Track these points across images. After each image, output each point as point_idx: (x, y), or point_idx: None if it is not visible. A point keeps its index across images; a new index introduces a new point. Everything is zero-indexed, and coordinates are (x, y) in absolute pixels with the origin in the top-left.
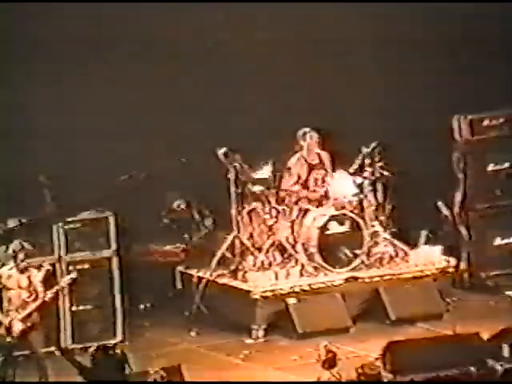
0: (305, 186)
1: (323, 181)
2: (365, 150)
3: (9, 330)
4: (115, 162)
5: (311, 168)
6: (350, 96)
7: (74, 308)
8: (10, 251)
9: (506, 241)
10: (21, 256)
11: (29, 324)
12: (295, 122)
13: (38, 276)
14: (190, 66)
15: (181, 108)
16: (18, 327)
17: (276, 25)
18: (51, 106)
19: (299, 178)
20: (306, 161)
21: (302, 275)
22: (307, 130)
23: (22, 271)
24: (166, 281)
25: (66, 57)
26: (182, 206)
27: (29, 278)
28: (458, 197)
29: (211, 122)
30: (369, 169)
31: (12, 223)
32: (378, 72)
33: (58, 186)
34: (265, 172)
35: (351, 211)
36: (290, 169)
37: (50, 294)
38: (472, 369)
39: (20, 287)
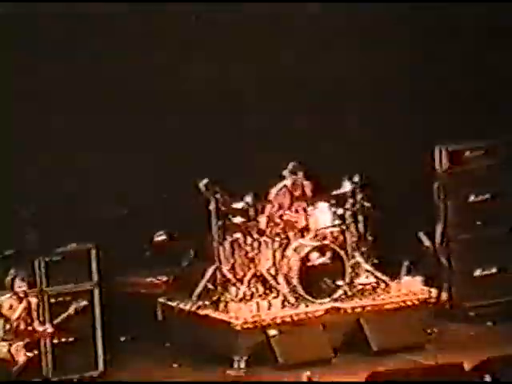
0: (286, 216)
1: (304, 211)
2: (346, 182)
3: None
4: (98, 195)
5: (293, 199)
6: (330, 128)
7: (55, 340)
8: (7, 280)
9: (486, 271)
10: (18, 284)
11: (32, 353)
12: (275, 150)
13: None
14: (172, 97)
15: (161, 139)
16: (21, 356)
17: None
18: (36, 138)
19: (280, 208)
20: (289, 191)
21: (283, 306)
22: (295, 164)
23: (20, 300)
24: (147, 312)
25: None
26: (164, 238)
27: (28, 306)
28: (439, 227)
29: (193, 153)
30: (350, 200)
31: None
32: (359, 103)
33: (40, 218)
34: (245, 203)
35: (333, 242)
36: (273, 199)
37: (59, 320)
38: None
39: (19, 316)
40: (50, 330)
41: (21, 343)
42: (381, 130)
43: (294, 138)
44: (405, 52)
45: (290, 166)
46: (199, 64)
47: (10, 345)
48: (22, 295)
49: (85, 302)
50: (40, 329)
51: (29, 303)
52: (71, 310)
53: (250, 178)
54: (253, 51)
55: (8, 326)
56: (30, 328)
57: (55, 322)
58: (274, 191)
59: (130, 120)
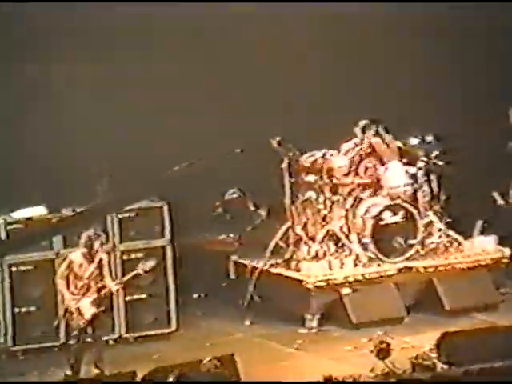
0: (357, 174)
1: (376, 170)
2: (419, 140)
3: (79, 314)
4: (170, 152)
5: (365, 157)
6: (406, 86)
7: (128, 297)
8: (83, 239)
9: None
10: (96, 244)
11: (99, 309)
12: (348, 109)
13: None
14: (242, 54)
15: (235, 97)
16: (89, 312)
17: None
18: (102, 96)
19: (352, 166)
20: (359, 149)
21: (356, 265)
22: (366, 122)
23: (92, 256)
24: (219, 270)
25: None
26: (236, 196)
27: (99, 264)
28: None
29: (266, 110)
30: (423, 158)
31: (66, 212)
32: (437, 60)
33: (113, 175)
34: (319, 160)
35: (405, 201)
36: (343, 156)
37: (126, 278)
38: None
39: (91, 272)
40: (119, 287)
41: (90, 299)
42: (457, 87)
43: (365, 96)
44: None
45: (361, 123)
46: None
47: (80, 300)
48: (94, 252)
49: (152, 263)
50: (111, 285)
51: (100, 260)
52: (139, 270)
53: (322, 136)
54: None
55: (79, 283)
56: (100, 284)
57: (123, 279)
58: (345, 149)
59: (203, 75)
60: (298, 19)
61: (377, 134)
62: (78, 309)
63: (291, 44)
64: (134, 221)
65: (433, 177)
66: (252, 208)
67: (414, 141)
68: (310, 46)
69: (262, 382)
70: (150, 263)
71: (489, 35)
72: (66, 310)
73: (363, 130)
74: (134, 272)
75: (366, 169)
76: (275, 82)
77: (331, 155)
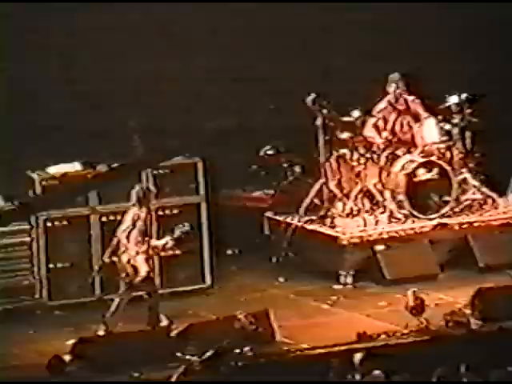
0: (392, 131)
1: (410, 127)
2: (453, 97)
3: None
4: (204, 108)
5: (398, 113)
6: (440, 42)
7: (162, 253)
8: (135, 194)
9: None
10: (148, 198)
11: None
12: (384, 68)
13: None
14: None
15: (269, 54)
16: (144, 269)
17: None
18: (140, 54)
19: (386, 123)
20: (393, 106)
21: (390, 222)
22: (396, 75)
23: (146, 214)
24: (253, 226)
25: None
26: (271, 152)
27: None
28: None
29: (300, 67)
30: (457, 115)
31: (102, 168)
32: (462, 22)
33: (147, 131)
34: (353, 118)
35: (439, 158)
36: (378, 114)
37: (170, 242)
38: None
39: (142, 230)
40: (159, 243)
41: (144, 256)
42: (491, 45)
43: (401, 56)
44: None
45: (393, 76)
46: None
47: (135, 257)
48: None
49: (187, 228)
50: (154, 243)
51: (138, 216)
52: (176, 234)
53: (357, 93)
54: None
55: (134, 240)
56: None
57: (160, 243)
58: (378, 106)
59: (239, 32)
60: None
61: (410, 90)
62: (134, 266)
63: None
64: (168, 177)
65: (467, 134)
66: (286, 164)
67: (450, 98)
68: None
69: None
70: (186, 228)
71: None
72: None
73: (397, 86)
74: (169, 238)
75: (401, 125)
76: (311, 43)
77: (367, 113)
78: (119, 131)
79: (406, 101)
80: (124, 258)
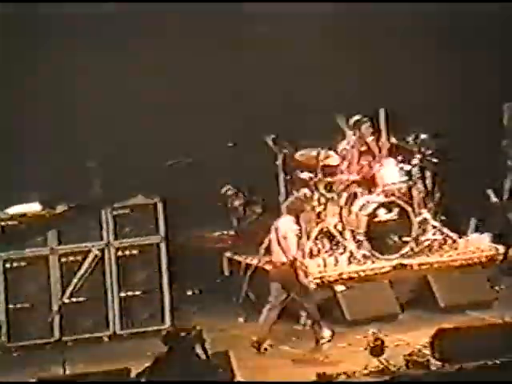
0: (352, 171)
1: (370, 167)
2: (414, 138)
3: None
4: (165, 149)
5: (360, 154)
6: (401, 83)
7: (122, 294)
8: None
9: None
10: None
11: None
12: (344, 107)
13: None
14: (237, 51)
15: (230, 95)
16: None
17: None
18: (96, 92)
19: (349, 163)
20: (355, 147)
21: (350, 262)
22: (359, 117)
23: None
24: (213, 267)
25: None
26: (231, 192)
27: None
28: (508, 184)
29: (260, 107)
30: (418, 156)
31: (60, 208)
32: (431, 59)
33: (107, 171)
34: (313, 158)
35: (400, 198)
36: (340, 154)
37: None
38: None
39: None
40: None
41: None
42: (449, 87)
43: (361, 94)
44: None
45: (354, 119)
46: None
47: None
48: None
49: None
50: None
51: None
52: None
53: (317, 134)
54: None
55: None
56: None
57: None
58: (340, 146)
59: (196, 70)
60: (294, 17)
61: (372, 131)
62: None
63: (287, 42)
64: (128, 217)
65: (427, 174)
66: (247, 205)
67: (409, 138)
68: (305, 44)
69: (262, 382)
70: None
71: (483, 33)
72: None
73: (356, 126)
74: None
75: (361, 166)
76: (271, 80)
77: (326, 153)
78: (79, 172)
79: (366, 141)
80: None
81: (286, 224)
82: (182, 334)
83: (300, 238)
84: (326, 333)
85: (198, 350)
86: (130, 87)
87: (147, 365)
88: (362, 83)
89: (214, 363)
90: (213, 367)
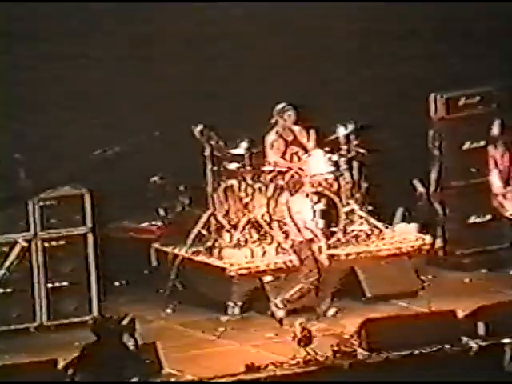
0: (280, 162)
1: (298, 158)
2: (341, 128)
3: None
4: (92, 138)
5: (286, 144)
6: (327, 73)
7: (49, 285)
8: None
9: (481, 218)
10: None
11: None
12: (271, 97)
13: None
14: (165, 42)
15: (157, 83)
16: None
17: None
18: (24, 80)
19: (274, 154)
20: (282, 137)
21: (277, 253)
22: (284, 105)
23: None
24: (141, 258)
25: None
26: (158, 183)
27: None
28: (434, 174)
29: (187, 97)
30: (345, 146)
31: None
32: (355, 48)
33: (33, 162)
34: (241, 149)
35: (327, 189)
36: (270, 145)
37: None
38: (447, 346)
39: None
40: None
41: None
42: (376, 76)
43: (289, 85)
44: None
45: (279, 107)
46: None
47: None
48: None
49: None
50: None
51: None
52: None
53: (244, 124)
54: None
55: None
56: None
57: None
58: (267, 137)
59: (125, 59)
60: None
61: (295, 119)
62: None
63: (214, 33)
64: (55, 208)
65: (354, 165)
66: (174, 195)
67: (338, 129)
68: (232, 35)
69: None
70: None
71: (409, 22)
72: None
73: (281, 116)
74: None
75: (290, 156)
76: (199, 70)
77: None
78: (4, 161)
79: (293, 132)
80: None
81: (297, 200)
82: (112, 323)
83: (314, 215)
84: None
85: (127, 340)
86: (52, 76)
87: (75, 355)
88: (288, 74)
89: (141, 354)
90: (140, 358)
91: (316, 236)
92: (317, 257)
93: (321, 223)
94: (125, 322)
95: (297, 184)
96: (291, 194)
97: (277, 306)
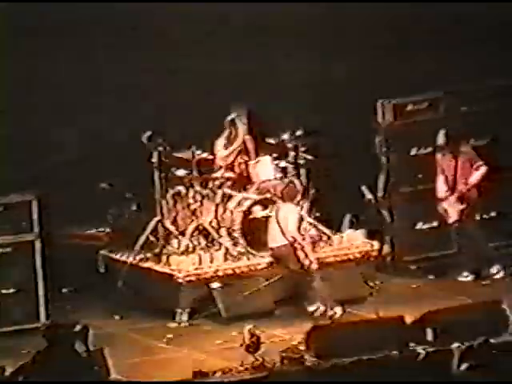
0: (230, 169)
1: (247, 165)
2: (289, 135)
3: None
4: (38, 145)
5: (235, 151)
6: (274, 80)
7: None
8: None
9: (428, 225)
10: None
11: None
12: (220, 105)
13: None
14: (113, 45)
15: (105, 89)
16: None
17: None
18: None
19: (222, 160)
20: (230, 144)
21: (226, 259)
22: (233, 113)
23: None
24: (89, 265)
25: None
26: (106, 189)
27: None
28: (381, 181)
29: (136, 103)
30: (292, 153)
31: None
32: (301, 56)
33: None
34: (189, 156)
35: (275, 195)
36: (217, 152)
37: None
38: (395, 352)
39: None
40: None
41: None
42: (324, 82)
43: (238, 93)
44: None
45: (230, 117)
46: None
47: None
48: None
49: None
50: None
51: None
52: None
53: (192, 130)
54: None
55: None
56: None
57: None
58: (216, 144)
59: (74, 64)
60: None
61: (247, 128)
62: None
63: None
64: (2, 215)
65: (302, 171)
66: (122, 202)
67: (284, 135)
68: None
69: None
70: None
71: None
72: None
73: (231, 123)
74: None
75: (237, 163)
76: (148, 78)
77: (202, 151)
78: None
79: (242, 139)
80: None
81: (285, 206)
82: (65, 329)
83: (302, 219)
84: (338, 309)
85: (78, 347)
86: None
87: (22, 362)
88: (237, 81)
89: (90, 360)
90: (89, 364)
91: (299, 241)
92: (302, 261)
93: (308, 228)
94: (77, 328)
95: (291, 193)
96: (284, 202)
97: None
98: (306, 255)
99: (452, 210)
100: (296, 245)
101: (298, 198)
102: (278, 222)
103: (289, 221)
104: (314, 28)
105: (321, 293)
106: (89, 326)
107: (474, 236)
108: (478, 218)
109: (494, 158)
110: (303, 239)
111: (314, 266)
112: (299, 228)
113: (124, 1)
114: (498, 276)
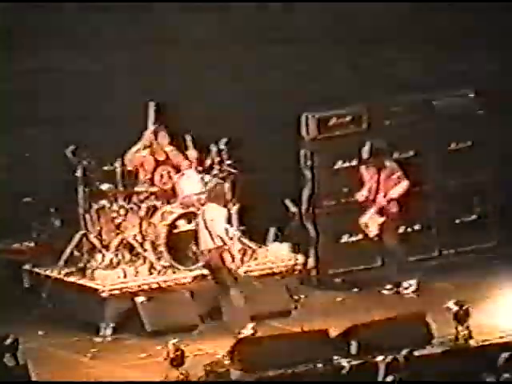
0: (151, 182)
1: (170, 177)
2: (213, 148)
3: None
4: None
5: (157, 164)
6: (197, 92)
7: None
8: None
9: (352, 238)
10: None
11: None
12: (143, 117)
13: None
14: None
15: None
16: None
17: None
18: None
19: (146, 173)
20: (153, 157)
21: (150, 273)
22: (156, 126)
23: None
24: (13, 279)
25: None
26: (30, 204)
27: None
28: (306, 194)
29: (60, 117)
30: (217, 166)
31: None
32: (226, 68)
33: None
34: (113, 169)
35: (199, 209)
36: (140, 165)
37: None
38: (319, 365)
39: None
40: None
41: None
42: (248, 94)
43: (161, 104)
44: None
45: (151, 129)
46: None
47: None
48: None
49: None
50: None
51: None
52: None
53: (116, 144)
54: None
55: None
56: None
57: None
58: (137, 156)
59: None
60: None
61: (169, 140)
62: None
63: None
64: None
65: (226, 184)
66: (46, 216)
67: (209, 147)
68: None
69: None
70: None
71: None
72: None
73: (154, 136)
74: None
75: (161, 176)
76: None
77: (123, 164)
78: None
79: (165, 152)
80: None
81: (212, 208)
82: None
83: (228, 221)
84: (249, 326)
85: (8, 360)
86: None
87: None
88: (161, 93)
89: (15, 374)
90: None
91: (227, 244)
92: (228, 265)
93: (235, 231)
94: (8, 341)
95: (219, 192)
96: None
97: None
98: (233, 259)
99: (372, 223)
100: (224, 247)
101: (227, 198)
102: (204, 223)
103: (216, 223)
104: (240, 36)
105: (236, 303)
106: (18, 339)
107: (395, 250)
108: (401, 231)
109: (417, 171)
110: (230, 240)
111: (240, 269)
112: (227, 230)
113: None
114: (409, 290)
